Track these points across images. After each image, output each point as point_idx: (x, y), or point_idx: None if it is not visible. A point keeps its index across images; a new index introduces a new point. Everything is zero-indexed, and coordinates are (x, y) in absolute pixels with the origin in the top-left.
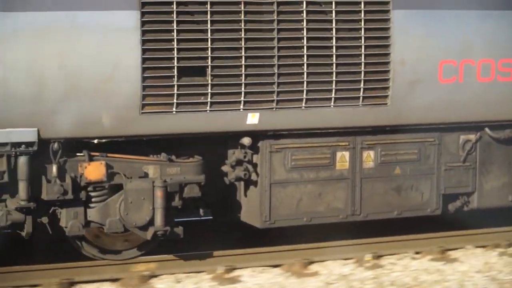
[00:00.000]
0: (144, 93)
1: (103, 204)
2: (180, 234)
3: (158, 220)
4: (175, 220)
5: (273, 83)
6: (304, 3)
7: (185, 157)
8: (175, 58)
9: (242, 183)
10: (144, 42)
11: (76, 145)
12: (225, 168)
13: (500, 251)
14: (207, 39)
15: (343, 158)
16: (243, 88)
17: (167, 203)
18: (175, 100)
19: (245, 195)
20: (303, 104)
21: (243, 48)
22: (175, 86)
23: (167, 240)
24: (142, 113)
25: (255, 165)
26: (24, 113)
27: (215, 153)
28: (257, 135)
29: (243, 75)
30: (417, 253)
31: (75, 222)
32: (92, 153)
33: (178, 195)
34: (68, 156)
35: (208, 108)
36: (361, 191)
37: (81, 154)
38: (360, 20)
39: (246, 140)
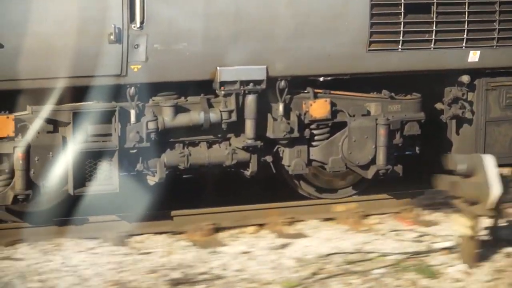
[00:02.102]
0: (371, 30)
1: (326, 143)
2: (399, 173)
3: (381, 158)
4: None
5: (495, 20)
6: None
7: (403, 94)
8: None
9: (454, 121)
10: None
11: (299, 83)
12: (439, 106)
13: None
14: None
15: None
16: (466, 26)
17: (388, 141)
18: (401, 38)
19: (457, 133)
20: None
21: None
22: (402, 23)
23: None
24: (369, 50)
25: (470, 103)
26: (254, 50)
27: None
28: (474, 73)
29: (466, 12)
30: None
31: (298, 160)
32: (316, 90)
33: (399, 132)
34: (293, 94)
35: (432, 45)
36: None
37: (305, 91)
38: None
39: (466, 78)
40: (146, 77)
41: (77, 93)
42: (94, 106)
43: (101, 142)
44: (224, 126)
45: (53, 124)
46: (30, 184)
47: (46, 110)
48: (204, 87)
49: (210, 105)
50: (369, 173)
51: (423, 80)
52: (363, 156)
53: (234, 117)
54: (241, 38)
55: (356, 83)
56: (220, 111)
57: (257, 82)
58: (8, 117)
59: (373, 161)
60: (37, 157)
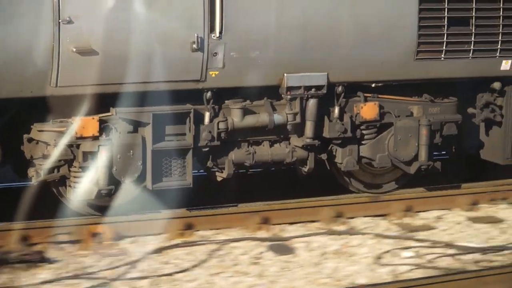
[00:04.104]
0: (419, 41)
1: (374, 141)
2: (439, 169)
3: (423, 155)
4: None
5: None
6: None
7: (440, 98)
8: (446, 9)
9: (484, 124)
10: None
11: (350, 88)
12: (471, 110)
13: None
14: None
15: None
16: (500, 37)
17: (430, 140)
18: (444, 48)
19: (487, 135)
20: None
21: (501, 0)
22: (445, 35)
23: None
24: (416, 59)
25: (500, 108)
26: (318, 59)
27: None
28: (505, 80)
29: (501, 25)
30: None
31: (350, 158)
32: (365, 95)
33: (439, 132)
34: (346, 98)
35: (470, 55)
36: None
37: (356, 95)
38: None
39: (497, 85)
40: (222, 82)
41: (155, 96)
42: (172, 108)
43: (176, 141)
44: (289, 127)
45: (134, 124)
46: (112, 180)
47: (128, 111)
48: (266, 92)
49: (274, 108)
50: (412, 169)
51: (457, 87)
52: (407, 153)
53: (298, 119)
54: (307, 47)
55: (396, 88)
56: (286, 114)
57: (318, 88)
58: (93, 118)
59: (415, 157)
60: (119, 155)
